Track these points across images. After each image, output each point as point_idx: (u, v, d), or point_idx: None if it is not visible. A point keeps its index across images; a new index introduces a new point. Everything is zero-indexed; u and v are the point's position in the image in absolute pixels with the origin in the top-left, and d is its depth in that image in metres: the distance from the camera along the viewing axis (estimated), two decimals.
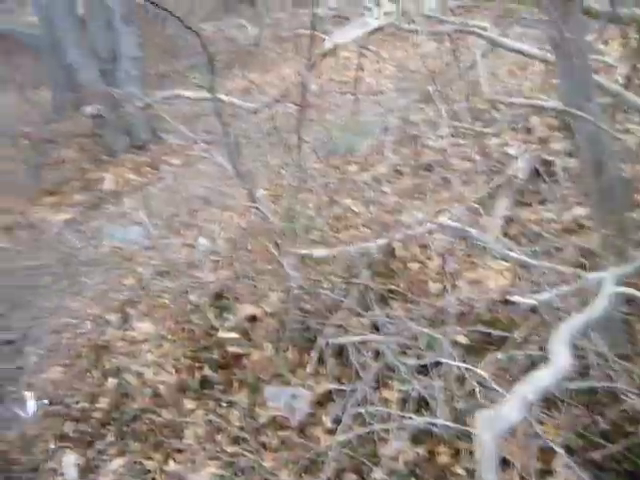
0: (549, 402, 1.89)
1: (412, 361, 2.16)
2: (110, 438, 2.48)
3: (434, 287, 2.54)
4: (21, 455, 2.65)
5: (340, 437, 1.95)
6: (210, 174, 4.60)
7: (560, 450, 1.63)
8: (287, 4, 9.28)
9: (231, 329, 2.73)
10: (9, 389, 3.10)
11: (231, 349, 2.65)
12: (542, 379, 1.31)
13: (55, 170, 5.63)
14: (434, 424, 1.93)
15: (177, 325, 2.84)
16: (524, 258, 2.03)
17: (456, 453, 1.98)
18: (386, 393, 2.12)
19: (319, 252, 2.52)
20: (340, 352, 2.41)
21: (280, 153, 3.45)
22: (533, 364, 1.96)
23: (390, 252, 2.62)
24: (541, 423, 1.80)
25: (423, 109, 3.83)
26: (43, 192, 5.25)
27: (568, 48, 1.71)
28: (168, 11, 2.06)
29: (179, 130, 5.56)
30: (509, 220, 2.74)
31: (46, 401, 2.84)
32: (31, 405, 2.87)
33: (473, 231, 2.08)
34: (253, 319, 2.72)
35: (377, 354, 2.29)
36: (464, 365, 1.85)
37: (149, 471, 2.23)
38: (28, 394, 2.94)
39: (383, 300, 2.52)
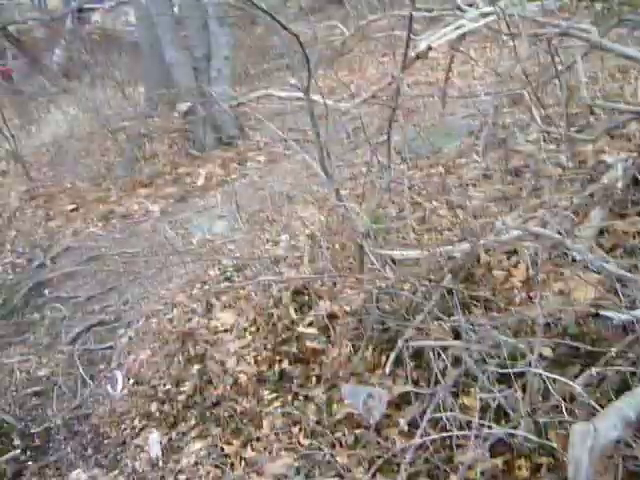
0: None
1: (493, 370, 2.11)
2: (192, 421, 2.60)
3: (519, 296, 2.47)
4: (110, 429, 2.83)
5: (417, 440, 1.95)
6: (294, 171, 4.69)
7: None
8: (375, 4, 9.26)
9: (310, 325, 2.78)
10: (101, 367, 3.31)
11: (309, 344, 2.70)
12: None
13: (148, 163, 5.93)
14: (514, 435, 1.88)
15: (259, 318, 2.92)
16: (621, 271, 1.93)
17: (536, 468, 1.92)
18: (466, 400, 2.09)
19: (402, 254, 2.51)
20: (418, 355, 2.40)
21: (365, 153, 3.46)
22: (623, 382, 1.87)
23: (475, 257, 2.58)
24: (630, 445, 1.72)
25: (514, 112, 3.72)
26: (137, 183, 5.54)
27: None
28: (268, 13, 2.12)
29: (265, 128, 5.72)
30: (604, 231, 2.61)
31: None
32: (120, 383, 3.06)
33: (567, 240, 2.00)
34: (332, 316, 2.76)
35: (456, 360, 2.26)
36: (552, 376, 1.79)
37: (228, 456, 2.32)
38: (118, 373, 3.13)
39: (465, 306, 2.48)
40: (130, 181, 5.62)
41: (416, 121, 4.01)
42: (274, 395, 2.54)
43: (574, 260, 2.34)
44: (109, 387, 3.09)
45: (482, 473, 1.92)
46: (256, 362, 2.73)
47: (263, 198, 4.31)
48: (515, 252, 2.61)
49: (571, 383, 1.70)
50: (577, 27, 2.60)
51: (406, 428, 2.18)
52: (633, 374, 1.83)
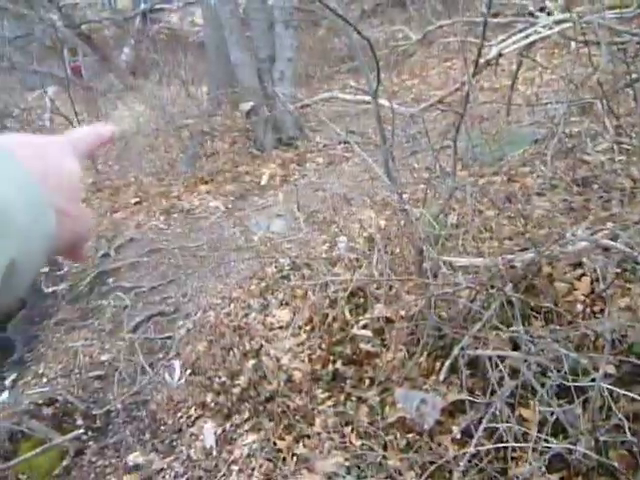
0: None
1: (553, 383, 2.07)
2: (246, 414, 2.66)
3: (582, 309, 2.42)
4: (167, 417, 2.92)
5: (472, 449, 1.93)
6: (353, 174, 4.72)
7: None
8: (439, 9, 9.19)
9: (365, 327, 2.80)
10: (159, 356, 3.42)
11: (364, 346, 2.72)
12: None
13: (209, 161, 6.09)
14: (573, 452, 1.84)
15: (314, 317, 2.95)
16: None
17: None
18: (523, 412, 2.06)
19: (462, 261, 2.49)
20: (474, 364, 2.38)
21: (427, 158, 3.44)
22: None
23: (537, 268, 2.53)
24: None
25: (582, 121, 3.62)
26: (198, 180, 5.70)
27: None
28: (341, 16, 2.15)
29: (325, 129, 5.77)
30: None
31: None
32: (178, 373, 3.15)
33: (638, 255, 1.94)
34: (387, 320, 2.77)
35: (514, 371, 2.22)
36: (620, 391, 1.75)
37: (280, 450, 2.36)
38: (176, 362, 3.23)
39: (524, 317, 2.44)
40: (192, 177, 5.78)
41: (480, 128, 3.96)
42: (327, 394, 2.57)
43: None
44: (167, 375, 3.19)
45: None
46: (310, 360, 2.77)
47: (322, 199, 4.36)
48: (579, 265, 2.55)
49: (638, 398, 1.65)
50: None
51: (459, 436, 2.16)
52: None
